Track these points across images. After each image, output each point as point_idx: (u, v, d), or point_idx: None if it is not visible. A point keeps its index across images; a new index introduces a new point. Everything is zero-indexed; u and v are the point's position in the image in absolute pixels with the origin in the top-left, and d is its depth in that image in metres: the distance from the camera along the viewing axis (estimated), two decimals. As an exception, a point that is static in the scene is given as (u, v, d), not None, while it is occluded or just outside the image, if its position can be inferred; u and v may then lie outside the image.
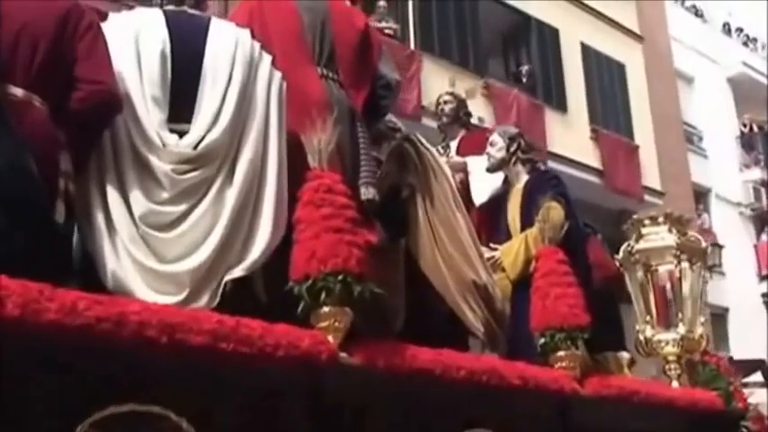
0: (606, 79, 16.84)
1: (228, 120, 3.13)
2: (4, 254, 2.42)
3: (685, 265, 5.16)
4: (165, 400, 2.51)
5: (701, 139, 21.18)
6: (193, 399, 2.59)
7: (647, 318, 5.15)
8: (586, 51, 16.57)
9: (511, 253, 4.70)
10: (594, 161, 15.71)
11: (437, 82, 10.30)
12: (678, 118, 19.18)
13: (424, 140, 4.22)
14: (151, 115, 3.05)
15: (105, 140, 2.99)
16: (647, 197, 16.01)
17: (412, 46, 13.52)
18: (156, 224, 2.96)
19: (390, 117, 4.56)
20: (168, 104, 3.11)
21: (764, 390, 10.61)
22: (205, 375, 2.66)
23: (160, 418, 2.49)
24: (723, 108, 22.13)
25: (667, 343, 5.03)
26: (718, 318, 18.81)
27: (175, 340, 2.49)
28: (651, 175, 16.79)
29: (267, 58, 3.40)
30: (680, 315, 5.07)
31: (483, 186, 5.25)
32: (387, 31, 13.07)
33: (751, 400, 5.22)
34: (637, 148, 16.62)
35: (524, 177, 5.01)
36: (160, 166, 2.99)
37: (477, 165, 5.28)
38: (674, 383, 4.91)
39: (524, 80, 15.29)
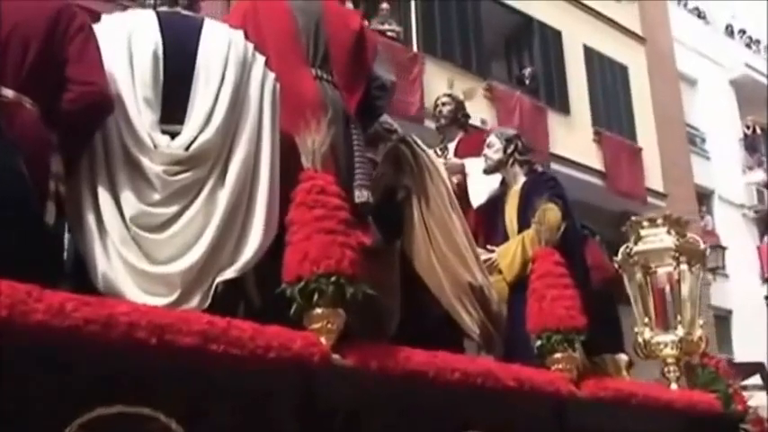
0: (609, 81, 16.85)
1: (221, 120, 3.13)
2: (-7, 255, 2.41)
3: (684, 266, 5.14)
4: (155, 401, 2.50)
5: (704, 141, 21.16)
6: (183, 400, 2.58)
7: (646, 320, 5.13)
8: (589, 53, 16.57)
9: (508, 255, 4.68)
10: (597, 163, 15.72)
11: (440, 84, 10.28)
12: (681, 120, 19.18)
13: (419, 142, 4.22)
14: (143, 116, 3.04)
15: (97, 142, 2.98)
16: (650, 199, 16.01)
17: (414, 48, 13.53)
18: (147, 225, 2.95)
19: (386, 118, 4.54)
20: (161, 106, 3.10)
21: (763, 392, 10.56)
22: (195, 377, 2.65)
23: (149, 419, 2.48)
24: (726, 110, 22.11)
25: (666, 345, 5.01)
26: (722, 320, 18.80)
27: (165, 341, 2.47)
28: (654, 178, 16.79)
29: (260, 59, 3.39)
30: (679, 317, 5.05)
31: (481, 188, 5.24)
32: (389, 33, 13.09)
33: (750, 402, 5.19)
34: (640, 150, 16.62)
35: (522, 179, 4.99)
36: (151, 167, 2.98)
37: (475, 167, 5.27)
38: (673, 386, 4.90)
39: (527, 82, 15.30)
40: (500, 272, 4.68)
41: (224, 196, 3.08)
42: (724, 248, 18.64)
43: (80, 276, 2.92)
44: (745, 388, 6.20)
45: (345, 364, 2.96)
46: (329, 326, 2.96)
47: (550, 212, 4.38)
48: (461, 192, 5.11)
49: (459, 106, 5.88)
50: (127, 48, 3.13)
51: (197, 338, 2.55)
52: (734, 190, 21.46)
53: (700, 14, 22.45)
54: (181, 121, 3.11)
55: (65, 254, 3.09)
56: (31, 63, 2.81)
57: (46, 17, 2.89)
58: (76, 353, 2.39)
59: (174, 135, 3.07)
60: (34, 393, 2.33)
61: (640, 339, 5.12)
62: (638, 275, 5.18)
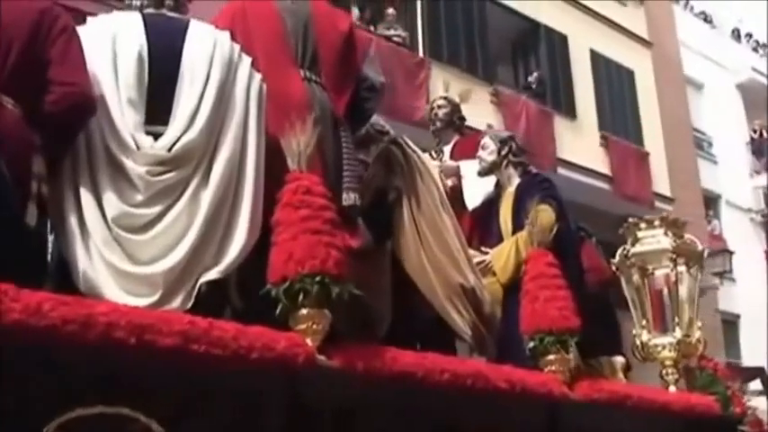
0: (615, 86, 16.85)
1: (205, 120, 3.11)
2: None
3: (682, 268, 5.10)
4: (136, 401, 2.48)
5: (710, 145, 21.14)
6: (164, 400, 2.56)
7: (644, 322, 5.09)
8: (595, 58, 16.59)
9: (501, 256, 4.66)
10: (604, 167, 15.73)
11: (446, 89, 10.31)
12: (688, 124, 19.15)
13: (411, 143, 4.20)
14: (126, 118, 3.03)
15: (79, 143, 2.97)
16: (656, 203, 15.98)
17: (421, 53, 13.54)
18: (129, 226, 2.94)
19: (378, 120, 4.53)
20: (145, 107, 3.09)
21: (763, 397, 10.48)
22: (176, 377, 2.63)
23: (130, 419, 2.46)
24: (733, 114, 22.08)
25: (664, 347, 4.98)
26: (730, 324, 18.75)
27: (144, 341, 2.46)
28: (661, 182, 16.78)
29: (247, 60, 3.38)
30: (676, 319, 5.02)
31: (476, 191, 5.21)
32: (395, 38, 13.13)
33: (749, 404, 5.16)
34: (646, 154, 16.62)
35: (516, 180, 4.96)
36: (134, 168, 2.97)
37: (470, 169, 5.24)
38: (672, 388, 4.86)
39: (533, 87, 15.32)
40: (494, 274, 4.66)
41: (208, 196, 3.06)
42: (731, 253, 18.54)
43: (64, 278, 2.91)
44: (744, 393, 6.15)
45: (331, 365, 2.94)
46: (315, 326, 2.94)
47: (543, 214, 4.36)
48: (456, 194, 5.09)
49: (454, 109, 5.85)
50: (111, 49, 3.12)
51: (178, 339, 2.53)
52: (741, 194, 21.41)
53: (706, 18, 22.43)
54: (165, 122, 3.10)
55: (48, 255, 3.09)
56: (13, 64, 2.81)
57: (29, 18, 2.89)
58: (54, 353, 2.38)
59: (158, 136, 3.06)
60: (12, 393, 2.31)
61: (638, 342, 5.09)
62: (636, 277, 5.15)
